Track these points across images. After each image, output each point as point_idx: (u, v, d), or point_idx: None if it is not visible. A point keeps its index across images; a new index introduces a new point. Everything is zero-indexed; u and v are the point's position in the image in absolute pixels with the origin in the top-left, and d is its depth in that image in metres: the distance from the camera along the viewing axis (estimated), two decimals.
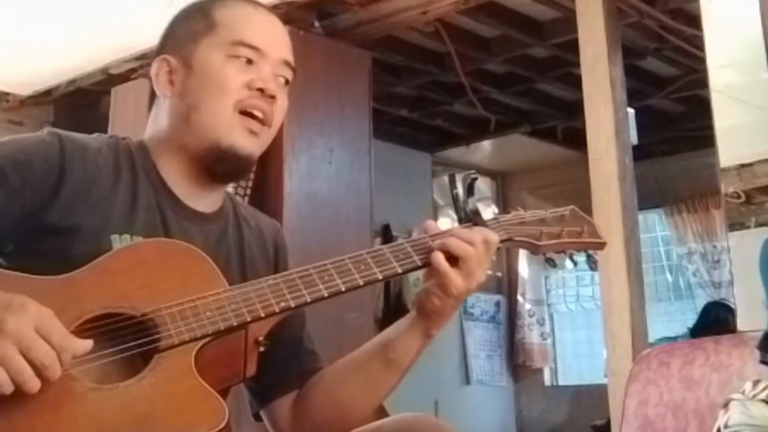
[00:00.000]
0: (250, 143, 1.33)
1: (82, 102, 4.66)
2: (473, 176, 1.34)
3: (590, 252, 1.40)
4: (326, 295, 1.22)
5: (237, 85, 1.32)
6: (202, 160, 1.34)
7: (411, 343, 1.31)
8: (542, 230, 1.36)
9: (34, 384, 1.03)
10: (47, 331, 1.04)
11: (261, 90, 1.33)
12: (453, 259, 1.25)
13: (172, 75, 1.36)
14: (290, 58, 1.39)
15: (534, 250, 1.36)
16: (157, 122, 1.39)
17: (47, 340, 1.04)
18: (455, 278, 1.24)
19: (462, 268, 1.24)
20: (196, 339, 1.16)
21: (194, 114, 1.32)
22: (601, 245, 1.41)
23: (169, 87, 1.36)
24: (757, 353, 2.05)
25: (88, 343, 1.09)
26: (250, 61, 1.33)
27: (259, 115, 1.33)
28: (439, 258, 1.25)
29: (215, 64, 1.32)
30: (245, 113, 1.32)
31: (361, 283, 1.24)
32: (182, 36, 1.37)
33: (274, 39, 1.38)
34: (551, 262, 1.37)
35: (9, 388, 1.02)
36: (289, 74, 1.39)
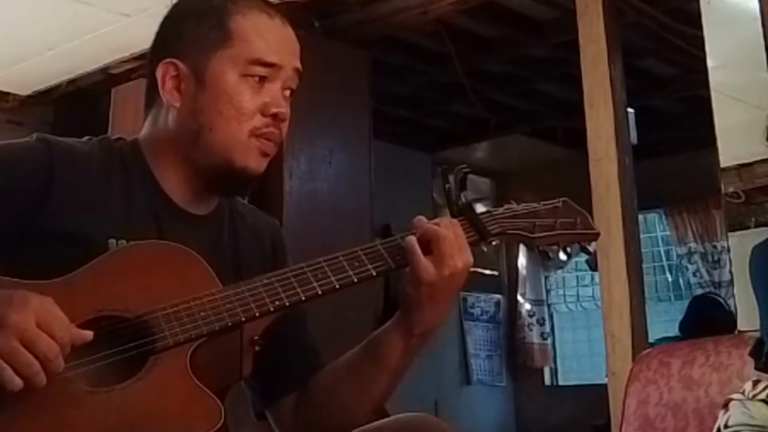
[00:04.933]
0: (262, 164, 1.34)
1: (82, 102, 4.64)
2: (465, 170, 1.34)
3: (585, 244, 1.40)
4: (320, 293, 1.23)
5: (251, 109, 1.31)
6: (209, 175, 1.33)
7: (394, 341, 1.31)
8: (535, 223, 1.35)
9: (41, 378, 1.04)
10: (49, 323, 1.05)
11: (274, 115, 1.32)
12: (427, 248, 1.25)
13: (181, 82, 1.32)
14: (299, 64, 1.38)
15: (528, 242, 1.36)
16: (159, 126, 1.36)
17: (49, 333, 1.05)
18: (426, 263, 1.24)
19: (434, 252, 1.24)
20: (191, 339, 1.15)
21: (207, 133, 1.31)
22: (595, 236, 1.41)
23: (177, 95, 1.32)
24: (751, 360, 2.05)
25: (88, 334, 1.10)
26: (263, 78, 1.32)
27: (272, 138, 1.34)
28: (410, 240, 1.25)
29: (230, 82, 1.30)
30: (259, 135, 1.32)
31: (355, 280, 1.24)
32: (193, 41, 1.33)
33: (288, 51, 1.36)
34: (546, 255, 1.37)
35: (18, 385, 1.03)
36: (297, 83, 1.38)
